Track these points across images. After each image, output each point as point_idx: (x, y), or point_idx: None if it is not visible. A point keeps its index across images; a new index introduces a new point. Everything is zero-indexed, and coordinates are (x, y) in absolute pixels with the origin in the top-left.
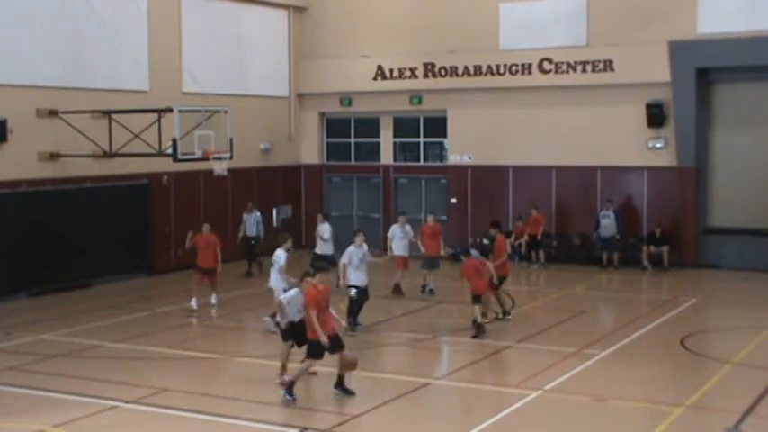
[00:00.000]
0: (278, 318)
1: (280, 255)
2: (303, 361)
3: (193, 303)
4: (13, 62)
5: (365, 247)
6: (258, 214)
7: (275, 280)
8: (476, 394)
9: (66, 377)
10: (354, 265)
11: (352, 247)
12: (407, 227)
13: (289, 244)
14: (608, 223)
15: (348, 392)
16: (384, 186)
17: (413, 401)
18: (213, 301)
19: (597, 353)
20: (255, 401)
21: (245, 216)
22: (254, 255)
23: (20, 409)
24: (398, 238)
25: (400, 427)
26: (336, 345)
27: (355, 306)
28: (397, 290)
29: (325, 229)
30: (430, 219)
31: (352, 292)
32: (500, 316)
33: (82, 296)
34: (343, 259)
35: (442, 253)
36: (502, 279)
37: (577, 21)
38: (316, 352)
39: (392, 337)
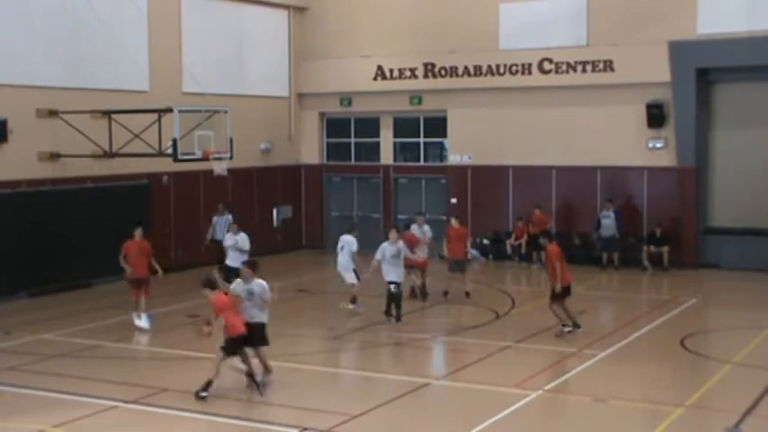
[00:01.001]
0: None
1: (351, 241)
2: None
3: (137, 321)
4: (12, 62)
5: (400, 243)
6: (230, 216)
7: (346, 263)
8: (475, 394)
9: (66, 377)
10: (388, 261)
11: (385, 244)
12: (426, 227)
13: (356, 232)
14: (608, 223)
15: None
16: (384, 186)
17: (413, 401)
18: (142, 323)
19: (597, 353)
20: (255, 402)
21: (214, 219)
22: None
23: (20, 409)
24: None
25: (400, 427)
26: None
27: (394, 300)
28: (414, 293)
29: (244, 239)
30: (454, 221)
31: (392, 287)
32: (570, 329)
33: (82, 296)
34: (377, 256)
35: (469, 256)
36: (565, 290)
37: (577, 21)
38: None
39: (392, 336)
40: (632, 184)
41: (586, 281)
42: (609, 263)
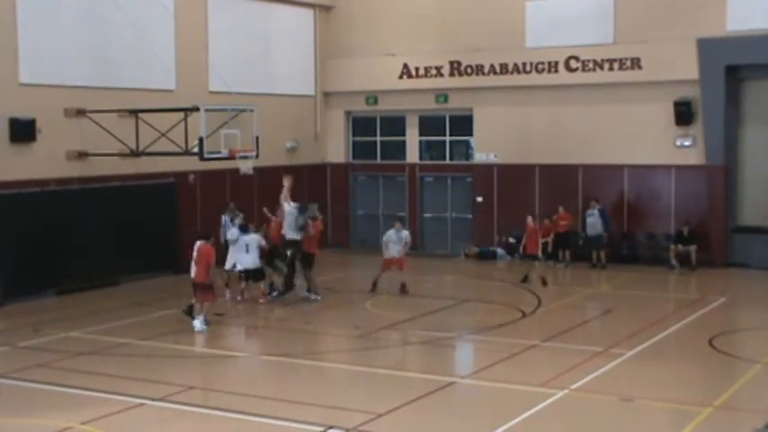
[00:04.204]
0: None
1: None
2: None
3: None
4: (41, 62)
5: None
6: (241, 215)
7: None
8: (501, 393)
9: (93, 374)
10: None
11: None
12: (404, 231)
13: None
14: (593, 222)
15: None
16: (410, 185)
17: (438, 400)
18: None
19: (624, 352)
20: (280, 399)
21: (224, 218)
22: None
23: (48, 406)
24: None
25: (425, 425)
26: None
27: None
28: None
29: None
30: (530, 219)
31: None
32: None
33: (109, 294)
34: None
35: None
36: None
37: (604, 18)
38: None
39: (417, 335)
40: (660, 183)
41: (613, 280)
42: (597, 261)
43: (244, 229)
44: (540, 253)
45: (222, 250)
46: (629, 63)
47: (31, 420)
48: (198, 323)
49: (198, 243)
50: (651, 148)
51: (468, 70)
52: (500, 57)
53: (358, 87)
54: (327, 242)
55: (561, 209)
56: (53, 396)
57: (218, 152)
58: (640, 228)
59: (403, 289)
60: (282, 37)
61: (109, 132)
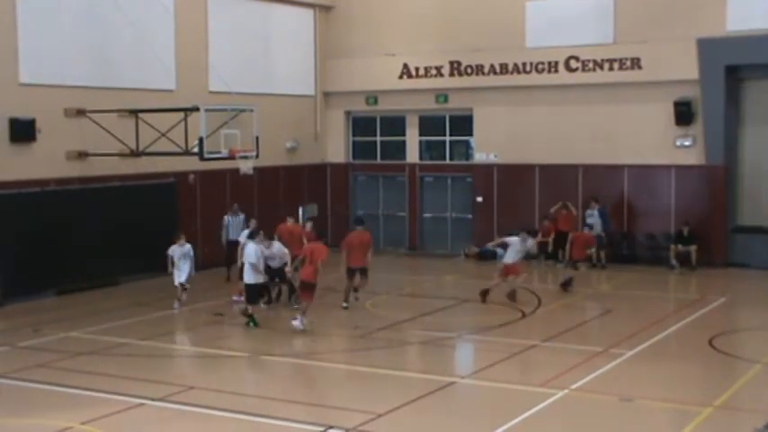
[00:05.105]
0: None
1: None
2: None
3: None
4: (41, 62)
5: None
6: (243, 216)
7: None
8: (501, 393)
9: (93, 374)
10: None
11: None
12: (530, 241)
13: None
14: (593, 222)
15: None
16: (410, 185)
17: (438, 400)
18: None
19: (624, 352)
20: (280, 399)
21: (227, 218)
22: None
23: (48, 406)
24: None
25: (425, 425)
26: None
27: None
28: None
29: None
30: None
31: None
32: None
33: (109, 294)
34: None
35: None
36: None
37: (604, 18)
38: None
39: (417, 335)
40: (659, 183)
41: (613, 280)
42: (597, 261)
43: (253, 236)
44: (584, 257)
45: (222, 251)
46: (629, 63)
47: (31, 420)
48: (298, 322)
49: (276, 245)
50: (651, 148)
51: (468, 70)
52: (500, 57)
53: (358, 87)
54: (327, 242)
55: (563, 210)
56: (53, 396)
57: (218, 152)
58: (640, 228)
59: (511, 296)
60: (282, 37)
61: (109, 132)
